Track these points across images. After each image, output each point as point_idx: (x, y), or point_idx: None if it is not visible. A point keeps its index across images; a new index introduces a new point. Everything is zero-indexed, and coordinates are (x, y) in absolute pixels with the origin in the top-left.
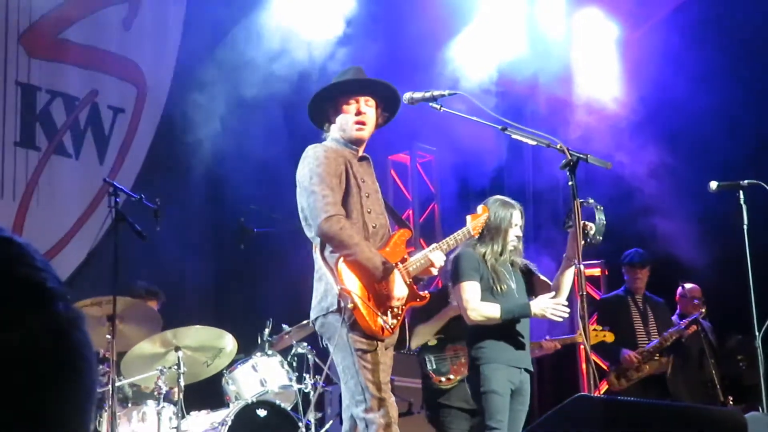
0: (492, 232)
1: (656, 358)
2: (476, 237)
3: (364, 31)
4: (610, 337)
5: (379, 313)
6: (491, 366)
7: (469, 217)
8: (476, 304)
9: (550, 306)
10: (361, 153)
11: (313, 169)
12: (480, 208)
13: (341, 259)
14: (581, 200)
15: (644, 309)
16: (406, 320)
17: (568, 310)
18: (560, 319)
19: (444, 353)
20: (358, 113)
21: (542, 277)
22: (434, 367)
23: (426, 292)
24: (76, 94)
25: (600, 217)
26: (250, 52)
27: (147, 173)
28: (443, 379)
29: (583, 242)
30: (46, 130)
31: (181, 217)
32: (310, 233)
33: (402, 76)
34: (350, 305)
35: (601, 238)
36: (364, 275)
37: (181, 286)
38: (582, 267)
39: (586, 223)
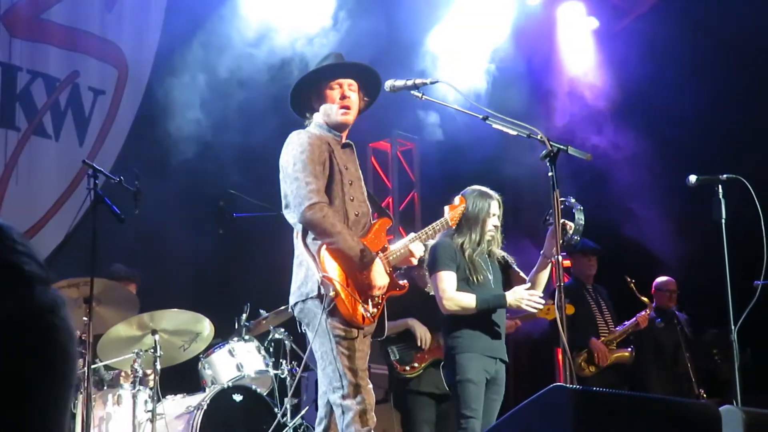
0: (470, 222)
1: (614, 348)
2: (454, 227)
3: (348, 18)
4: (570, 309)
5: (360, 302)
6: (467, 355)
7: (447, 208)
8: (452, 294)
9: (525, 297)
10: (344, 139)
11: (296, 156)
12: (457, 199)
13: (323, 246)
14: (562, 198)
15: (596, 297)
16: (385, 309)
17: (543, 301)
18: (535, 311)
19: (406, 343)
20: (343, 97)
21: (519, 272)
22: (397, 357)
23: (405, 281)
24: (57, 75)
25: (579, 217)
26: (232, 35)
27: (127, 155)
28: (407, 368)
29: (560, 241)
30: (26, 111)
31: (160, 200)
32: (292, 219)
33: (383, 64)
34: (332, 293)
35: (578, 238)
36: (346, 264)
37: (159, 270)
38: (560, 258)
39: (566, 222)
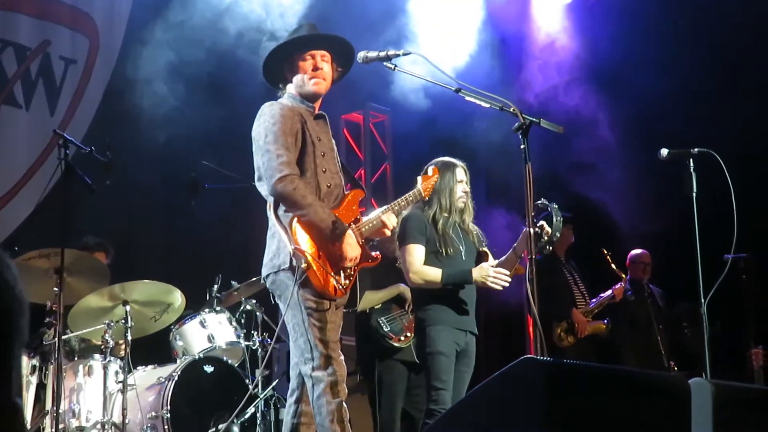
0: (439, 193)
1: (589, 319)
2: (426, 198)
3: None
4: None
5: (332, 273)
6: (437, 327)
7: (420, 178)
8: (418, 267)
9: (491, 274)
10: (317, 110)
11: (268, 128)
12: (430, 170)
13: (295, 218)
14: (545, 202)
15: (570, 270)
16: (357, 281)
17: (509, 279)
18: (500, 288)
19: (392, 313)
20: (315, 68)
21: (489, 254)
22: (389, 328)
23: (377, 252)
24: (28, 44)
25: (558, 226)
26: (204, 6)
27: (98, 126)
28: (402, 337)
29: (534, 245)
30: None
31: (131, 170)
32: (264, 191)
33: (356, 35)
34: (303, 265)
35: (551, 248)
36: (318, 235)
37: (131, 240)
38: (532, 231)
39: (544, 224)
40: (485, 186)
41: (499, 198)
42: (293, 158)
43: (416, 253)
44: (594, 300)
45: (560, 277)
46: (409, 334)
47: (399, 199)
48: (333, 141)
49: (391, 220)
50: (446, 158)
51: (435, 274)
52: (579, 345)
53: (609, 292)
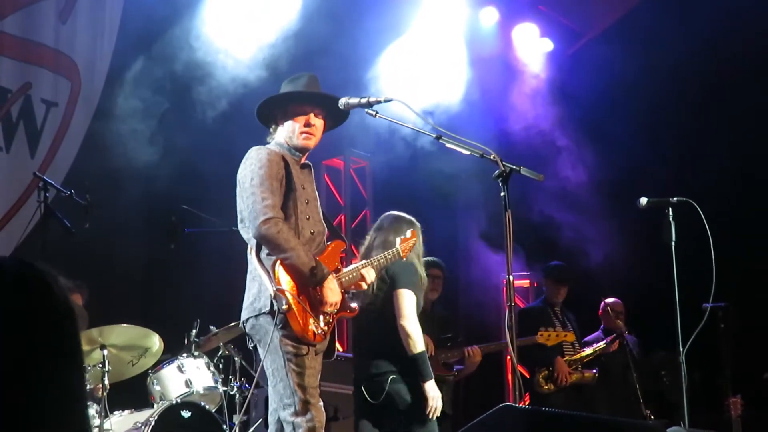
0: (417, 251)
1: (579, 369)
2: (404, 260)
3: (303, 33)
4: (570, 337)
5: (312, 317)
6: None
7: (398, 239)
8: (415, 319)
9: (438, 401)
10: (303, 160)
11: (254, 171)
12: (409, 232)
13: (278, 261)
14: None
15: (563, 320)
16: (335, 330)
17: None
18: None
19: None
20: (308, 124)
21: None
22: None
23: (356, 305)
24: (9, 86)
25: None
26: (185, 51)
27: (78, 168)
28: None
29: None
30: None
31: (111, 214)
32: (246, 234)
33: (336, 82)
34: (284, 306)
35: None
36: (300, 279)
37: (109, 284)
38: (511, 278)
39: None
40: (471, 227)
41: (484, 239)
42: (278, 202)
43: (414, 302)
44: (585, 349)
45: (548, 326)
46: None
47: (378, 256)
48: (317, 191)
49: (370, 275)
50: (403, 215)
51: (419, 340)
52: (566, 393)
53: (602, 342)
